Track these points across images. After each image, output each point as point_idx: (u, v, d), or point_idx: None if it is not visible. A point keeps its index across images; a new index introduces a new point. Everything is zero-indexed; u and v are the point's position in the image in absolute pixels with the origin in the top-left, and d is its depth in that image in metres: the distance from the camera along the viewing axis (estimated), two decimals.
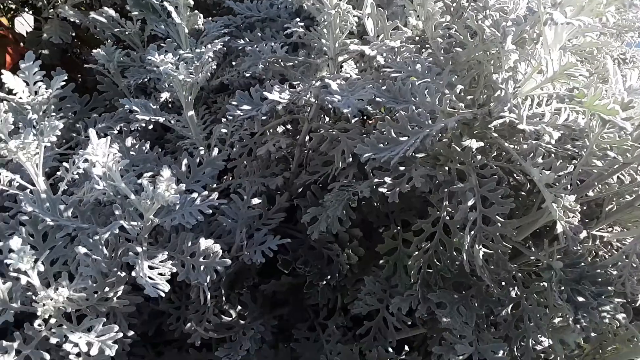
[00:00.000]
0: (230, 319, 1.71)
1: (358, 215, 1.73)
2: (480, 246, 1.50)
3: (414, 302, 1.57)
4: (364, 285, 1.70)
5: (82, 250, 1.41)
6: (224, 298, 1.71)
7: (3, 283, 1.36)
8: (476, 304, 1.56)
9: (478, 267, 1.49)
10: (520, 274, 1.60)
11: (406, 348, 1.82)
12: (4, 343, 1.35)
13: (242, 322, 1.72)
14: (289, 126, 2.08)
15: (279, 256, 1.76)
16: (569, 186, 1.46)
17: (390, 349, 1.70)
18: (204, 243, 1.57)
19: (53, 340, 1.39)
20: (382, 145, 1.45)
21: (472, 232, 1.49)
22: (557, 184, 1.39)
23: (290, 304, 1.89)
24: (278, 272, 1.83)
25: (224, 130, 1.89)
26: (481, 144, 1.49)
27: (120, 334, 1.38)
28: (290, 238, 1.75)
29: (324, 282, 1.75)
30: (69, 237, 1.50)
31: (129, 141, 1.75)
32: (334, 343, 1.74)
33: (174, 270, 1.51)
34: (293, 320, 1.86)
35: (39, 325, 1.36)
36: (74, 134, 2.01)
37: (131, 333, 1.62)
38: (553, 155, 1.50)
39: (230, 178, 1.98)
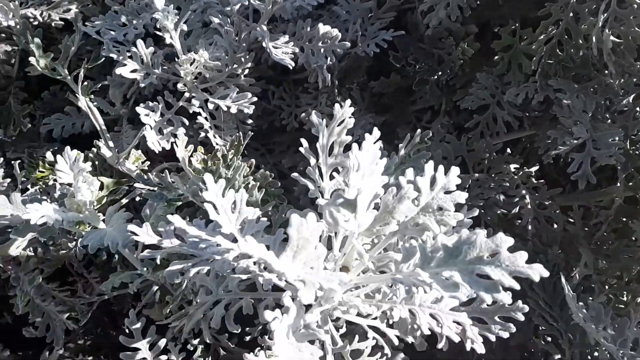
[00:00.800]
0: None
1: (473, 14, 1.68)
2: (610, 32, 1.44)
3: (531, 91, 1.57)
4: (476, 82, 1.70)
5: (216, 20, 1.48)
6: (335, 90, 1.78)
7: (146, 47, 1.47)
8: (596, 94, 1.54)
9: (606, 53, 1.45)
10: None
11: (508, 151, 1.86)
12: (150, 103, 1.50)
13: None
14: None
15: (390, 52, 1.78)
16: None
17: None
18: (323, 28, 1.61)
19: (192, 106, 1.52)
20: None
21: (605, 15, 1.42)
22: None
23: (395, 109, 1.94)
24: (386, 74, 1.86)
25: None
26: None
27: (255, 99, 1.49)
28: (400, 38, 1.75)
29: (434, 78, 1.77)
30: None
31: None
32: (437, 142, 1.80)
33: (296, 50, 1.58)
34: (397, 123, 1.92)
35: (181, 87, 1.48)
36: None
37: (250, 121, 1.75)
38: None
39: None
